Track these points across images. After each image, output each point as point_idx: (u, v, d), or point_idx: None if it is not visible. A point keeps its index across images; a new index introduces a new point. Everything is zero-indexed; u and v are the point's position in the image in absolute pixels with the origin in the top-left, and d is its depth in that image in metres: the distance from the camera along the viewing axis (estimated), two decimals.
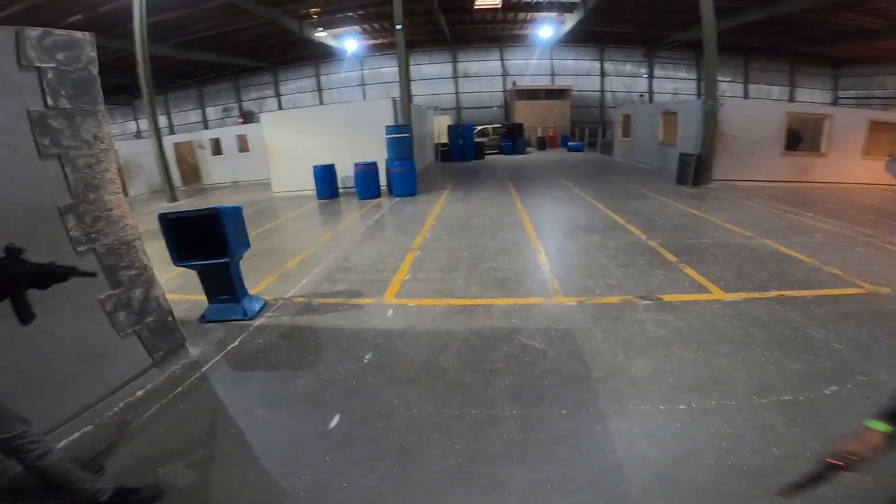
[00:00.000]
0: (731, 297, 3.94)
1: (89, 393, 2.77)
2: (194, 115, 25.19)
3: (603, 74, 25.35)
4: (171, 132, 23.77)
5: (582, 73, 25.16)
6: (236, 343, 3.65)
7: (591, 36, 22.43)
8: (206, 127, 23.61)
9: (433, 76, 24.61)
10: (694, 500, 1.86)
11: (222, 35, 16.13)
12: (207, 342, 3.69)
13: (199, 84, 24.64)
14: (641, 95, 25.23)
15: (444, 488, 2.00)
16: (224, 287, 4.08)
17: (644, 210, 7.81)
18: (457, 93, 25.04)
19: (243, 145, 15.25)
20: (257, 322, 4.02)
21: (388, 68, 23.11)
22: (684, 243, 5.70)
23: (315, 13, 15.05)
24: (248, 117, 23.43)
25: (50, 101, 2.59)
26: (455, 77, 24.87)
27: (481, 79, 24.90)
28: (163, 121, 25.72)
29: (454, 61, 24.48)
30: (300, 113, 12.34)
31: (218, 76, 23.98)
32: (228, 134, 15.33)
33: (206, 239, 3.88)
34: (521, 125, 21.65)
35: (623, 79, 25.39)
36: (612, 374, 2.76)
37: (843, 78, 24.52)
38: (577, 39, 22.57)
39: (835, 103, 23.61)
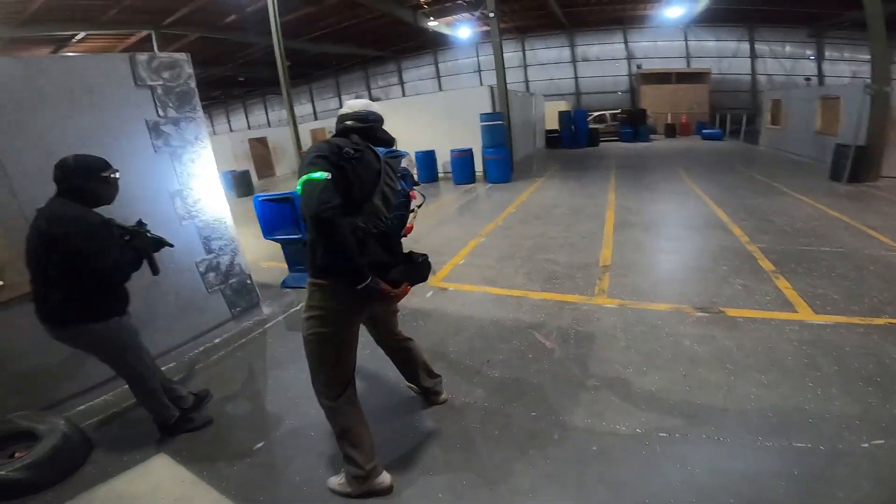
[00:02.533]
0: (819, 319, 3.23)
1: (180, 335, 3.53)
2: (333, 103, 28.20)
3: (753, 56, 21.33)
4: (315, 118, 27.01)
5: (726, 54, 21.43)
6: (299, 307, 4.26)
7: (735, 15, 18.92)
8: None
9: (549, 61, 23.45)
10: None
11: (346, 28, 17.60)
12: (280, 304, 4.37)
13: (336, 74, 27.42)
14: (808, 79, 20.61)
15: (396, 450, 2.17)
16: (300, 259, 4.75)
17: (764, 208, 6.58)
18: (575, 77, 23.49)
19: None
20: None
21: (504, 54, 22.95)
22: (796, 250, 4.72)
23: (425, 3, 15.46)
24: None
25: (161, 112, 3.33)
26: (573, 61, 23.31)
27: (603, 63, 22.90)
28: (308, 108, 29.39)
29: (572, 45, 22.91)
30: (405, 101, 13.06)
31: (351, 66, 26.33)
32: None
33: (293, 218, 4.55)
34: (643, 111, 19.58)
35: (782, 61, 21.07)
36: (608, 385, 2.57)
37: None
38: (717, 19, 19.34)
39: None
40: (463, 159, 10.37)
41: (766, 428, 2.11)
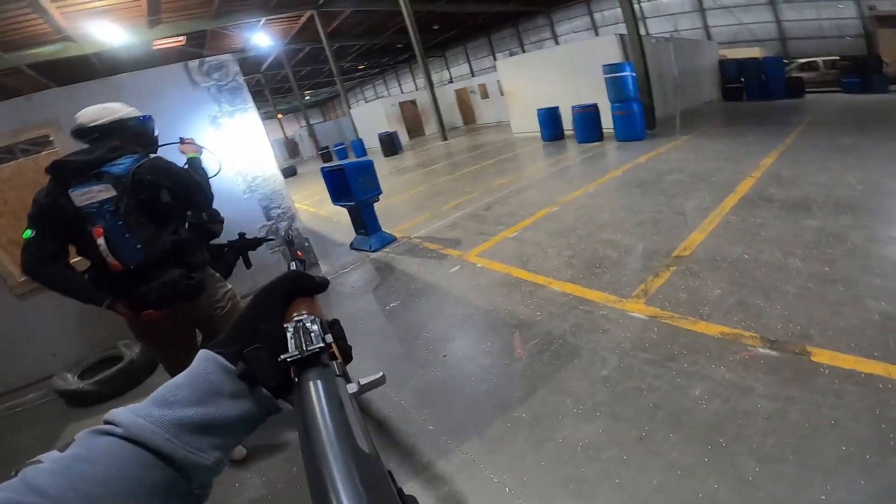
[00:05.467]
0: None
1: (248, 288, 4.10)
2: (487, 62, 27.01)
3: None
4: (472, 76, 26.57)
5: None
6: (348, 268, 4.48)
7: None
8: (495, 70, 25.21)
9: (736, 4, 17.58)
10: None
11: None
12: (338, 265, 4.67)
13: (487, 32, 25.99)
14: None
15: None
16: (360, 223, 4.92)
17: None
18: (777, 21, 17.08)
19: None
20: (375, 255, 4.72)
21: None
22: None
23: None
24: None
25: (217, 107, 3.70)
26: (772, 3, 16.96)
27: (818, 4, 16.08)
28: (465, 68, 28.98)
29: None
30: (529, 57, 11.67)
31: (501, 24, 24.54)
32: (492, 79, 16.08)
33: (346, 186, 4.71)
34: (876, 57, 13.34)
35: None
36: (534, 424, 1.94)
37: None
38: None
39: None
40: (585, 115, 8.86)
41: None
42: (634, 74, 8.09)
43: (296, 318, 0.41)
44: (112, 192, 1.50)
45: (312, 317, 0.42)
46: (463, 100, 17.73)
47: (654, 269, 3.27)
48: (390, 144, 13.62)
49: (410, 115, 16.64)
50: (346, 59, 22.93)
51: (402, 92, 32.05)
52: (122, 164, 1.55)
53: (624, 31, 9.05)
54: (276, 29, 17.10)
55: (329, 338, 0.40)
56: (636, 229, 4.08)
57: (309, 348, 0.37)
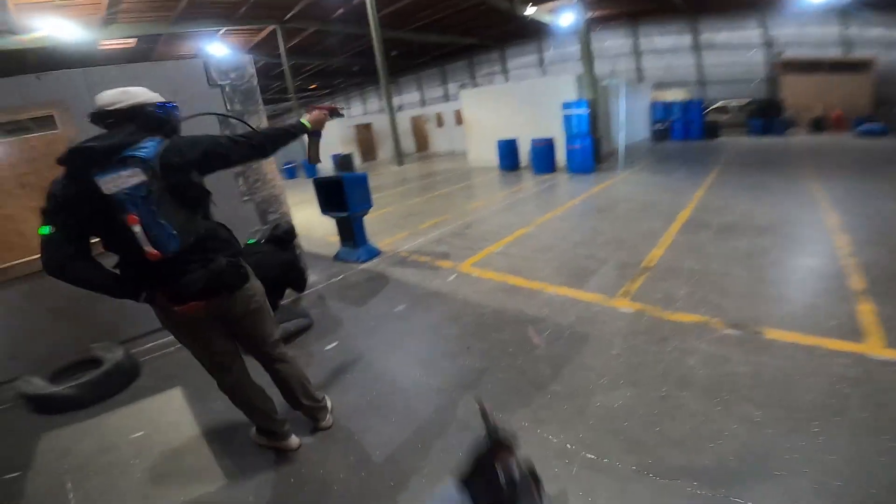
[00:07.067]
0: (887, 354, 2.47)
1: None
2: (440, 91, 28.66)
3: None
4: (423, 105, 27.75)
5: None
6: (339, 277, 4.61)
7: None
8: (447, 100, 26.57)
9: (666, 48, 20.71)
10: None
11: (445, 18, 17.39)
12: (326, 274, 4.77)
13: (442, 62, 27.65)
14: None
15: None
16: (349, 235, 5.09)
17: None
18: (698, 66, 20.39)
19: (459, 119, 16.79)
20: (364, 266, 4.89)
21: (612, 41, 20.83)
22: None
23: None
24: None
25: (228, 107, 3.80)
26: (696, 48, 20.24)
27: (733, 50, 19.50)
28: (417, 96, 30.29)
29: (694, 31, 19.85)
30: (491, 90, 12.81)
31: (455, 55, 26.21)
32: (448, 109, 17.11)
33: (340, 197, 4.89)
34: (777, 101, 16.30)
35: None
36: (570, 394, 2.32)
37: None
38: (885, 3, 15.30)
39: None
40: (542, 149, 9.88)
41: (711, 473, 1.73)
42: (588, 112, 9.23)
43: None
44: (142, 177, 1.40)
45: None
46: (418, 127, 18.53)
47: (630, 276, 3.87)
48: (347, 166, 13.81)
49: (364, 139, 17.01)
50: (298, 77, 22.90)
51: (350, 116, 32.41)
52: (147, 148, 1.45)
53: (572, 72, 10.26)
54: (234, 40, 16.78)
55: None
56: (607, 246, 4.73)
57: None
